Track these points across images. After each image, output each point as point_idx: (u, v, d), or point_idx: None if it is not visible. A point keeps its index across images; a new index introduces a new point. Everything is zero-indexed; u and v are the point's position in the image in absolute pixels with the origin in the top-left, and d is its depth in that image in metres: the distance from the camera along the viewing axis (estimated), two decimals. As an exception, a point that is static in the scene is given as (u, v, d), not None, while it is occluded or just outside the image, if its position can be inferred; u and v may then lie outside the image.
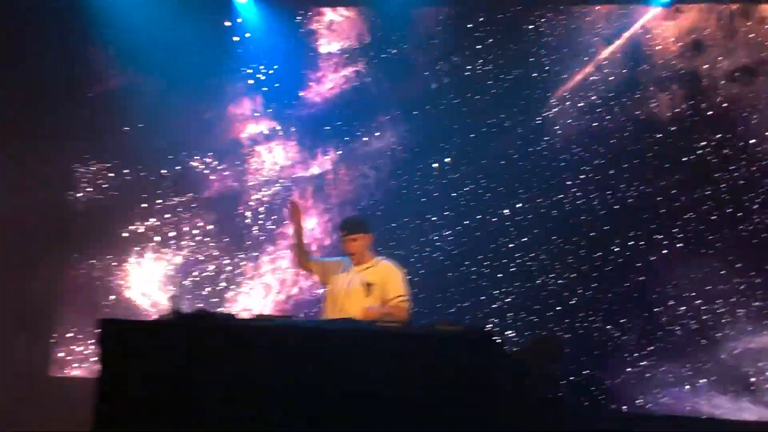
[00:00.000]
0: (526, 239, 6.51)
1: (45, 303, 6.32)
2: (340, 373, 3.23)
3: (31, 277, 6.26)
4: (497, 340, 3.49)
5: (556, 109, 6.70)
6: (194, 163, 6.96)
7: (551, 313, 6.29)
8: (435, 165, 6.76)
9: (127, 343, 3.36)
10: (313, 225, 6.91)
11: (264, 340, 3.37)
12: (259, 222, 6.95)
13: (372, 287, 4.40)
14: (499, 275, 6.46)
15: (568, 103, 6.69)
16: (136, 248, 6.74)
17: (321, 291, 4.79)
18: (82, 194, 6.77)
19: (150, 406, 3.24)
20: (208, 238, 6.82)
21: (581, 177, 6.53)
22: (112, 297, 6.60)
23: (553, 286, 6.35)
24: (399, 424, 3.12)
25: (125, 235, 6.74)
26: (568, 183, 6.52)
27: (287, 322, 3.64)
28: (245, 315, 3.62)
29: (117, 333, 3.38)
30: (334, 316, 4.29)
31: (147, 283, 6.65)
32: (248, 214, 6.96)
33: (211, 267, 6.76)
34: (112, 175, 6.84)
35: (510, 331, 6.30)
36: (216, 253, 6.74)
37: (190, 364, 3.27)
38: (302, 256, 4.67)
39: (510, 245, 6.50)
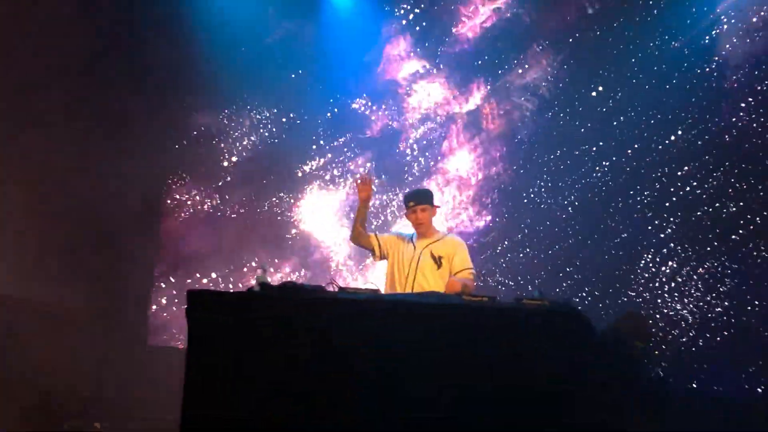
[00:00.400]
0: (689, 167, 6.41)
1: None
2: (427, 348, 3.20)
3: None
4: (584, 316, 3.28)
5: (718, 29, 6.42)
6: (354, 105, 7.35)
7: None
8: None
9: (215, 315, 3.28)
10: (466, 160, 7.17)
11: (350, 314, 3.31)
12: (418, 158, 7.29)
13: (442, 260, 4.45)
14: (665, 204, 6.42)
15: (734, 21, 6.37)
16: (308, 186, 7.30)
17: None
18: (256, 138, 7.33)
19: (237, 379, 3.19)
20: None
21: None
22: (294, 231, 7.25)
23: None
24: (487, 395, 3.13)
25: (299, 174, 7.31)
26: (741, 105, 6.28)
27: (374, 296, 3.52)
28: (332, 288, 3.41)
29: (205, 304, 3.31)
30: (403, 289, 4.40)
31: (320, 218, 7.26)
32: (408, 151, 7.31)
33: (375, 203, 7.20)
34: (284, 119, 7.36)
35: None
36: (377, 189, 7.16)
37: (277, 337, 3.23)
38: (362, 231, 4.61)
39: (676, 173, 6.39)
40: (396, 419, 3.14)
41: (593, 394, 3.10)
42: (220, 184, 7.11)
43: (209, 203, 7.05)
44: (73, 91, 6.14)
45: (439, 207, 4.68)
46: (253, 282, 3.57)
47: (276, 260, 7.06)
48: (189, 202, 7.05)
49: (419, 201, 4.53)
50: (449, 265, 4.45)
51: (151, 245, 6.78)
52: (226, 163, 7.17)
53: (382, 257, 4.62)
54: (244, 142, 7.23)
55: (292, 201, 7.26)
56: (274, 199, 7.22)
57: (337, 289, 3.49)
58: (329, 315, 3.29)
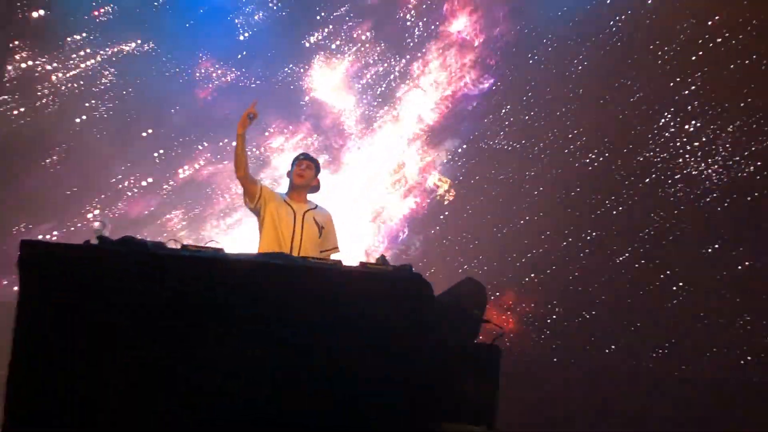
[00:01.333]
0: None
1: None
2: (266, 310, 3.12)
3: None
4: (424, 281, 3.25)
5: None
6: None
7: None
8: None
9: (49, 268, 3.13)
10: (468, 21, 7.47)
11: (191, 272, 3.18)
12: (418, 23, 7.60)
13: (322, 230, 4.46)
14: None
15: None
16: (315, 56, 7.71)
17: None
18: None
19: (66, 334, 3.09)
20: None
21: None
22: (306, 98, 7.75)
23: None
24: (324, 360, 3.08)
25: (306, 45, 7.71)
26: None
27: (216, 254, 3.37)
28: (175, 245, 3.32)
29: (38, 256, 3.15)
30: (289, 252, 4.28)
31: (328, 85, 7.76)
32: (408, 16, 7.62)
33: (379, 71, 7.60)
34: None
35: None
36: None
37: (110, 292, 3.12)
38: (246, 164, 4.40)
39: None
40: (225, 382, 3.05)
41: (431, 355, 3.10)
42: (238, 57, 7.52)
43: (231, 75, 7.49)
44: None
45: (318, 186, 4.66)
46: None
47: (290, 126, 7.61)
48: (214, 75, 7.49)
49: (308, 157, 4.59)
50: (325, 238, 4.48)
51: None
52: (241, 38, 7.55)
53: (256, 207, 4.45)
54: (255, 18, 7.56)
55: (301, 71, 7.70)
56: (285, 69, 7.65)
57: (179, 246, 3.44)
58: (168, 272, 3.16)
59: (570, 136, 7.16)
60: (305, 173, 4.50)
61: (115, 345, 3.06)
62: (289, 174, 4.58)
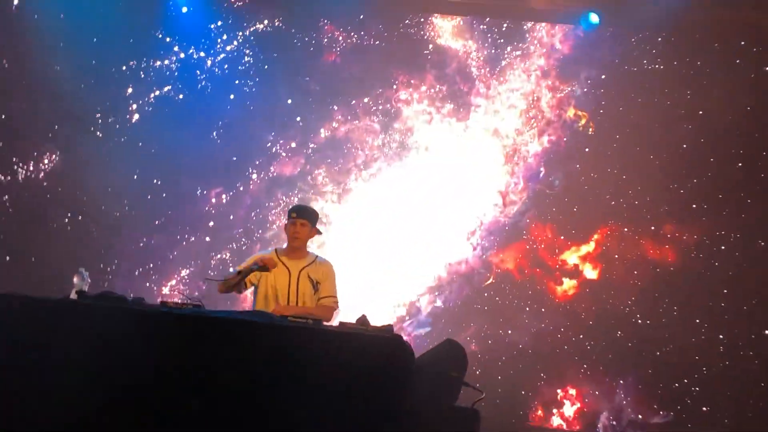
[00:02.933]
0: None
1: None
2: (236, 365, 3.11)
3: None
4: (405, 342, 3.17)
5: None
6: None
7: None
8: None
9: (24, 322, 3.25)
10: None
11: (168, 328, 3.26)
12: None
13: (318, 285, 4.38)
14: None
15: None
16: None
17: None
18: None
19: (36, 387, 3.16)
20: None
21: None
22: (430, 46, 7.84)
23: None
24: (303, 421, 3.04)
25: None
26: None
27: (195, 311, 3.42)
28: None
29: (12, 311, 3.28)
30: (284, 307, 4.19)
31: (451, 32, 7.73)
32: None
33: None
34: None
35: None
36: None
37: (87, 348, 3.17)
38: (229, 287, 4.34)
39: None
40: None
41: (409, 418, 3.07)
42: (361, 17, 7.85)
43: (353, 36, 7.88)
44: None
45: (320, 233, 4.59)
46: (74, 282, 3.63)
47: (413, 80, 7.83)
48: (340, 38, 7.94)
49: (301, 214, 4.43)
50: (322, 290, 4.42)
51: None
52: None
53: (255, 283, 4.42)
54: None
55: (421, 20, 7.82)
56: (406, 21, 7.79)
57: (159, 302, 3.52)
58: (146, 329, 3.23)
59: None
60: (300, 233, 4.38)
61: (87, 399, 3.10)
62: (285, 229, 4.50)
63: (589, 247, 7.42)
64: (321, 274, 4.42)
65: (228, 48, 7.81)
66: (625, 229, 7.34)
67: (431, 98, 7.80)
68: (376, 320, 7.15)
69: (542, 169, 7.67)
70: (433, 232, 7.65)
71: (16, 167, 7.26)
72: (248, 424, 3.07)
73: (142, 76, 7.72)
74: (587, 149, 7.52)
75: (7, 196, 7.17)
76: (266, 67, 7.80)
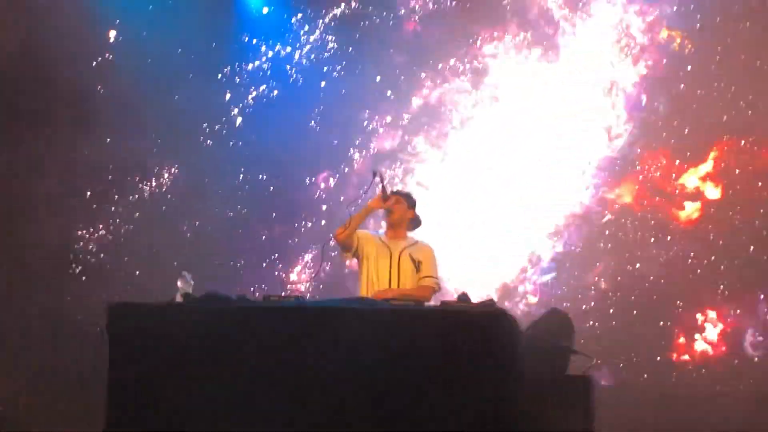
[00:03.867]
0: None
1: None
2: (342, 352, 3.14)
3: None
4: (510, 316, 3.12)
5: None
6: None
7: None
8: None
9: (137, 328, 3.32)
10: None
11: (272, 323, 3.30)
12: None
13: (420, 264, 4.46)
14: None
15: None
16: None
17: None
18: None
19: (159, 392, 3.23)
20: None
21: None
22: None
23: None
24: (414, 404, 3.04)
25: None
26: None
27: (297, 303, 3.52)
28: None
29: (126, 318, 3.36)
30: (383, 291, 4.30)
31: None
32: None
33: None
34: None
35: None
36: None
37: (200, 347, 3.24)
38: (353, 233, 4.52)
39: None
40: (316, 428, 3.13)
41: (521, 392, 3.06)
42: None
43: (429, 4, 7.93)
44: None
45: (416, 216, 4.66)
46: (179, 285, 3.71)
47: (496, 32, 7.81)
48: (416, 6, 8.00)
49: (397, 193, 4.64)
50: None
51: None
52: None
53: (355, 256, 4.59)
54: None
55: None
56: None
57: (261, 298, 3.62)
58: (250, 324, 3.30)
59: None
60: (396, 208, 4.52)
61: (202, 398, 3.20)
62: (382, 211, 4.62)
63: (707, 167, 7.21)
64: (422, 255, 4.52)
65: (311, 38, 8.02)
66: (742, 142, 7.09)
67: (517, 47, 7.74)
68: (496, 274, 7.42)
69: (644, 96, 7.49)
70: (541, 179, 7.62)
71: (141, 185, 7.80)
72: (360, 410, 3.11)
73: (237, 80, 8.07)
74: (689, 68, 7.28)
75: (138, 213, 7.71)
76: (350, 49, 7.98)
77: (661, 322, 7.11)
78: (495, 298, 4.22)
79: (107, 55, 7.63)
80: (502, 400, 2.99)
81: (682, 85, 7.30)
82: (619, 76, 7.57)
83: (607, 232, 7.41)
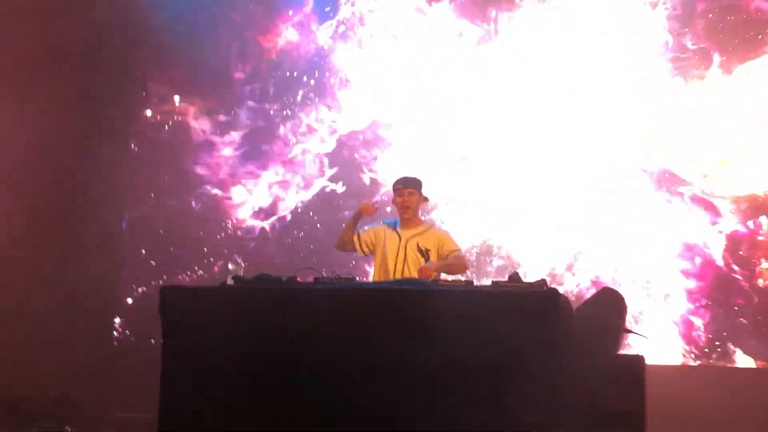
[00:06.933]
0: None
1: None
2: (401, 336, 3.13)
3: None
4: (561, 295, 3.04)
5: None
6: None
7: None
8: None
9: (189, 311, 3.32)
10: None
11: (325, 304, 3.28)
12: None
13: (429, 253, 4.48)
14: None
15: None
16: None
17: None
18: None
19: (214, 376, 3.23)
20: None
21: None
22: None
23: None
24: (466, 384, 3.04)
25: None
26: None
27: (349, 285, 3.55)
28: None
29: (178, 300, 3.36)
30: (390, 275, 4.43)
31: None
32: None
33: None
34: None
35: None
36: None
37: (251, 329, 3.25)
38: (348, 240, 4.66)
39: None
40: (371, 409, 3.14)
41: (574, 372, 3.03)
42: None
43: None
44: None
45: (427, 200, 4.78)
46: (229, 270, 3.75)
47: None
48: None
49: (407, 185, 4.63)
50: (437, 257, 4.53)
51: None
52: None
53: (369, 253, 4.73)
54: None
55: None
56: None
57: (313, 279, 3.62)
58: (304, 306, 3.31)
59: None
60: (409, 202, 4.61)
61: (252, 378, 3.25)
62: (394, 203, 4.71)
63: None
64: (433, 241, 4.58)
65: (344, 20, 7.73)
66: None
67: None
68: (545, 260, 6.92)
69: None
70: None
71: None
72: (412, 391, 3.13)
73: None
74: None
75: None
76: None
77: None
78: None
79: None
80: (553, 377, 3.00)
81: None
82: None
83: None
